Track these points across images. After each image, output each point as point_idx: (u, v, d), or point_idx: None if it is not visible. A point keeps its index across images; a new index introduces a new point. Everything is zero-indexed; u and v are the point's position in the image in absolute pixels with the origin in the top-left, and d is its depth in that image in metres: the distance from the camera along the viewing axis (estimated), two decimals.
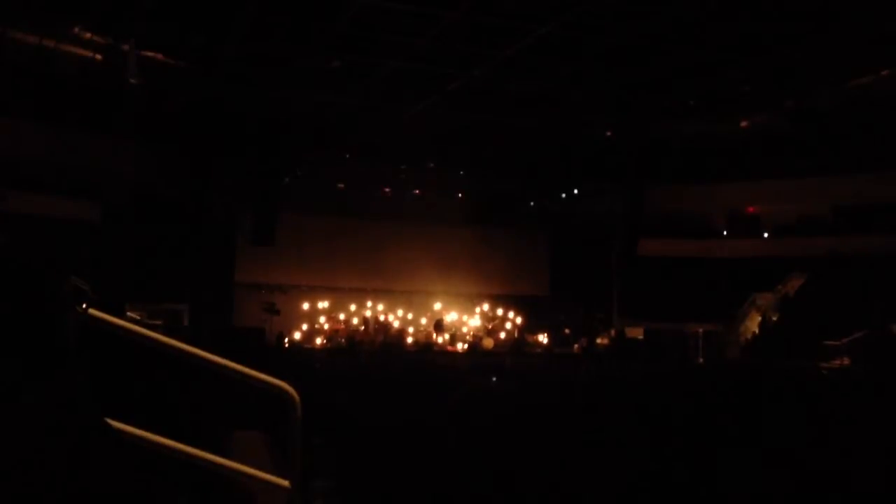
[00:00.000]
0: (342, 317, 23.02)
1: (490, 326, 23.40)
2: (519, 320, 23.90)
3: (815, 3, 13.35)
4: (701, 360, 20.16)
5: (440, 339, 22.33)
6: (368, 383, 8.88)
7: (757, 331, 21.15)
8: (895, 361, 15.44)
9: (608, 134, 21.47)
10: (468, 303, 24.38)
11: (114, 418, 1.86)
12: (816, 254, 20.90)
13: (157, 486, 1.64)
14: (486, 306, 24.25)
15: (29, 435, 1.39)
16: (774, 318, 20.54)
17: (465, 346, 21.81)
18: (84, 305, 1.67)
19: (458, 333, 22.87)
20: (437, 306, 23.60)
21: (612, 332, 23.11)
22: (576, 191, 24.63)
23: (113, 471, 1.47)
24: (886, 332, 16.64)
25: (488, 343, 21.96)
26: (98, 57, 15.25)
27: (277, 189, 21.77)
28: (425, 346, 21.31)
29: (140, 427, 2.32)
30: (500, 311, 24.12)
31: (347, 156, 22.36)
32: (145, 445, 2.35)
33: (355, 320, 23.13)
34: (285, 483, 2.71)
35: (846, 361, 16.39)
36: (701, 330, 21.04)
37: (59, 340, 1.51)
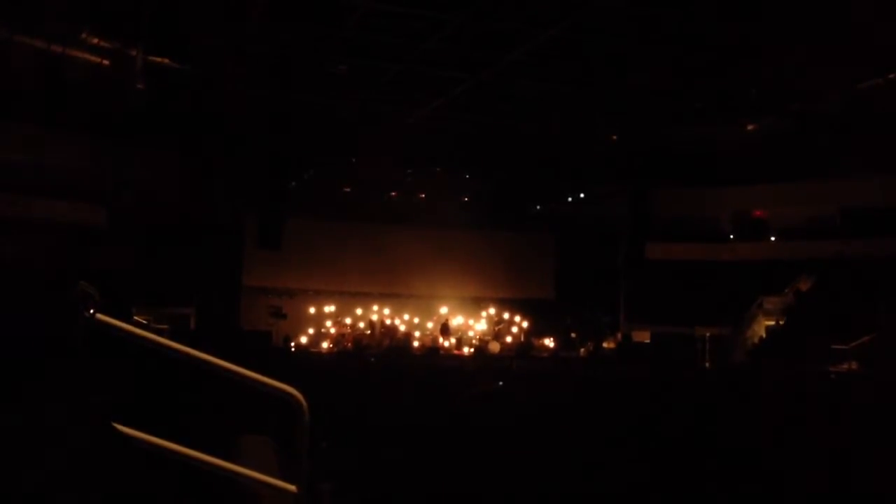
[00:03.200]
0: (348, 321, 23.03)
1: (496, 330, 23.38)
2: (525, 324, 23.86)
3: (822, 4, 13.32)
4: (708, 364, 20.10)
5: (446, 343, 22.32)
6: (375, 387, 8.88)
7: (764, 334, 21.10)
8: None
9: (614, 137, 21.44)
10: (474, 306, 24.37)
11: (121, 422, 1.86)
12: (824, 257, 20.84)
13: (164, 490, 1.64)
14: (492, 310, 24.22)
15: (37, 438, 1.39)
16: (782, 322, 20.49)
17: (472, 349, 21.79)
18: (91, 310, 1.67)
19: (465, 337, 22.86)
20: (444, 310, 23.59)
21: (619, 336, 23.07)
22: (582, 194, 24.61)
23: (120, 474, 1.46)
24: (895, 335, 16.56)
25: (494, 347, 21.93)
26: (105, 62, 15.29)
27: (284, 193, 21.81)
28: (431, 350, 21.30)
29: (147, 431, 2.32)
30: (506, 315, 24.10)
31: (354, 160, 22.39)
32: (153, 449, 2.35)
33: (361, 324, 23.14)
34: (292, 487, 2.71)
35: (854, 365, 16.33)
36: (708, 334, 20.99)
37: (67, 345, 1.51)
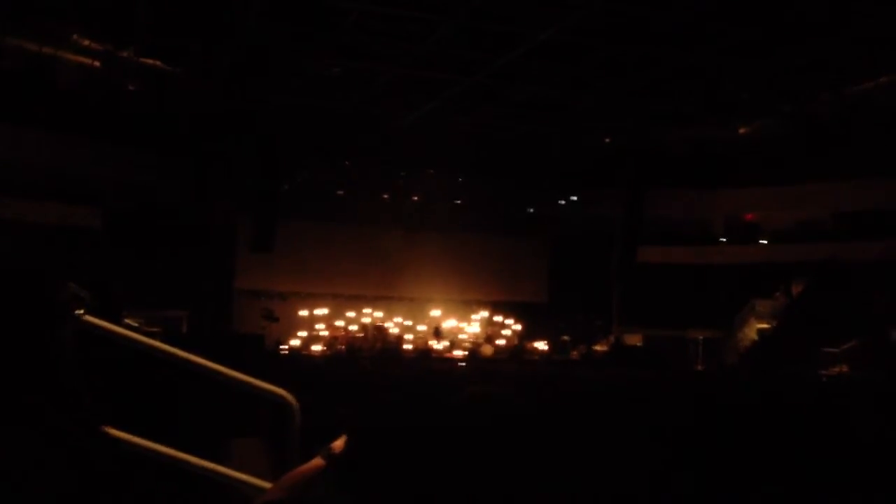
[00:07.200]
0: (341, 323, 22.97)
1: (489, 333, 23.36)
2: (518, 327, 23.85)
3: (814, 8, 13.38)
4: (700, 367, 20.13)
5: (439, 346, 22.28)
6: (367, 389, 8.85)
7: (756, 337, 21.14)
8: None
9: (607, 140, 21.48)
10: (467, 309, 24.35)
11: (112, 425, 1.85)
12: (816, 260, 20.90)
13: (155, 494, 1.62)
14: (484, 313, 24.21)
15: (27, 441, 1.37)
16: (773, 325, 20.54)
17: (464, 352, 21.75)
18: (81, 312, 1.65)
19: (457, 340, 22.82)
20: (436, 313, 23.55)
21: (611, 339, 23.07)
22: (574, 197, 24.61)
23: (111, 478, 1.45)
24: (886, 338, 16.63)
25: (487, 350, 21.90)
26: (97, 64, 15.27)
27: (277, 196, 21.74)
28: (423, 353, 21.25)
29: (139, 434, 2.30)
30: (498, 318, 24.08)
31: (347, 162, 22.35)
32: (144, 453, 2.33)
33: (354, 327, 23.09)
34: None
35: (844, 369, 16.38)
36: (700, 337, 21.02)
37: (56, 347, 1.50)
